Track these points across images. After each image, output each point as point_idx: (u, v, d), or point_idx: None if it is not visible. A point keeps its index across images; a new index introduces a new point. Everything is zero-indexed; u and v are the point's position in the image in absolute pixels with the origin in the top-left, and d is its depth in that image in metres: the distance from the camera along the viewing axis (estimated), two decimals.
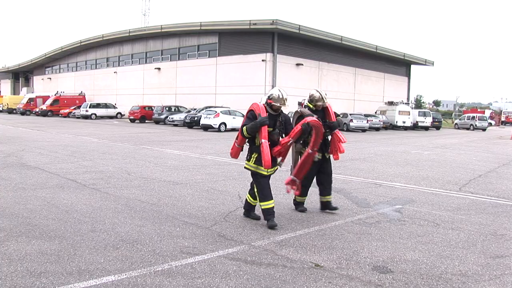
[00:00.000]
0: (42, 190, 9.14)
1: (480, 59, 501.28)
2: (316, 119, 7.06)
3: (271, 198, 6.93)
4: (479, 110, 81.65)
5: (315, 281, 4.86)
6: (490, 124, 58.92)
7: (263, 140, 6.71)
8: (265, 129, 6.76)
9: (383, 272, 5.16)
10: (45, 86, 70.17)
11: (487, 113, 70.28)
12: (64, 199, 8.38)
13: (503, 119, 77.52)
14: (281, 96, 6.96)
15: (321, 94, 7.86)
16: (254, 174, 7.06)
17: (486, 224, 7.51)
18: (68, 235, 6.18)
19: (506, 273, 5.26)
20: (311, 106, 7.92)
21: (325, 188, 8.03)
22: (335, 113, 8.07)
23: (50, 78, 70.34)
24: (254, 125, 6.74)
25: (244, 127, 6.84)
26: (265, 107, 6.97)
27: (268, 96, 7.04)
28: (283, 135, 7.15)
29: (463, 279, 5.03)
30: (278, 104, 6.95)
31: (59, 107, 53.51)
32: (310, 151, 7.18)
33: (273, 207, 6.93)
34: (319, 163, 7.80)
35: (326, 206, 8.06)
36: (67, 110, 51.65)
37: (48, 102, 55.00)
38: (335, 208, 8.03)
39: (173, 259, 5.36)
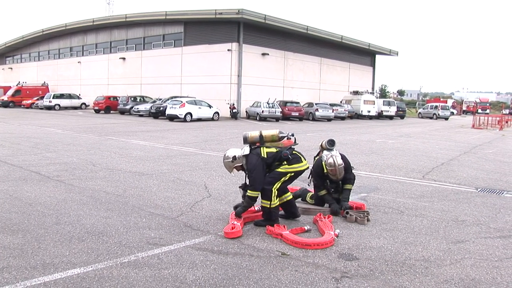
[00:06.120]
0: (4, 183, 8.92)
1: (443, 50, 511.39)
2: None
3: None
4: (441, 99, 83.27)
5: (281, 269, 4.90)
6: (452, 113, 60.21)
7: None
8: None
9: (349, 260, 5.24)
10: (5, 76, 68.11)
11: (450, 102, 71.75)
12: (27, 192, 8.21)
13: (464, 108, 79.53)
14: None
15: (337, 173, 7.24)
16: None
17: (448, 211, 7.71)
18: (32, 228, 6.07)
19: (466, 257, 5.42)
20: (325, 168, 7.45)
21: None
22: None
23: (11, 68, 68.35)
24: None
25: None
26: None
27: None
28: None
29: (426, 264, 5.16)
30: None
31: (21, 98, 52.19)
32: None
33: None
34: None
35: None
36: (29, 101, 50.36)
37: (10, 92, 53.53)
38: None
39: (139, 250, 5.33)
